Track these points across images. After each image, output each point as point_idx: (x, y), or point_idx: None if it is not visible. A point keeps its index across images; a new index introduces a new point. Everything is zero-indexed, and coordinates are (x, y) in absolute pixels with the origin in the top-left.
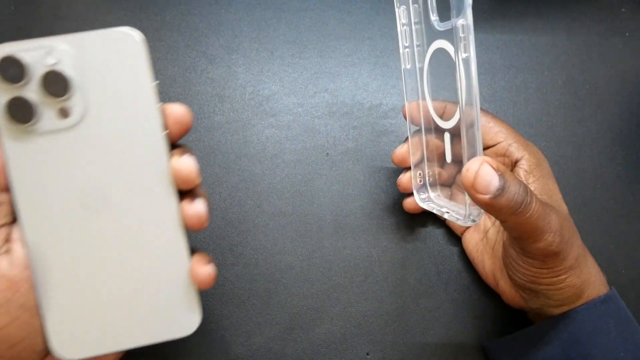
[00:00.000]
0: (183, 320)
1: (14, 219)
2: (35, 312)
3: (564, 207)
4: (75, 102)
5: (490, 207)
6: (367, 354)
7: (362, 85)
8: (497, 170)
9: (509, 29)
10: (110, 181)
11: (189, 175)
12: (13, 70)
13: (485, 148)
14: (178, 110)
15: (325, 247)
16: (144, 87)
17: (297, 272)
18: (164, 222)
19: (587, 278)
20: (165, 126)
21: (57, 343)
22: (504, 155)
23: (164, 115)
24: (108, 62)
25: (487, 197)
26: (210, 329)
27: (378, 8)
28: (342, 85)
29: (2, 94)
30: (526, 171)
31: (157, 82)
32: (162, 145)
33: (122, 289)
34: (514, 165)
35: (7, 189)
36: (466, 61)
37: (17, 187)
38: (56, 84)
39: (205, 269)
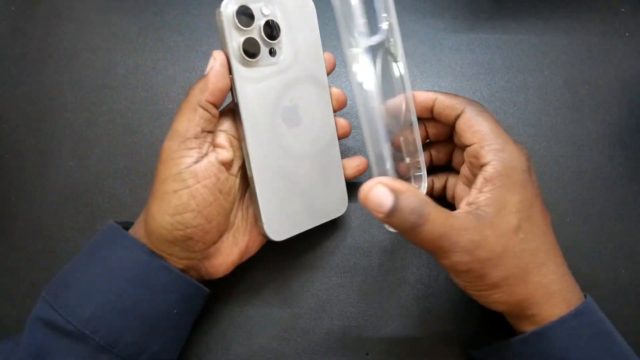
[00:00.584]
0: (340, 205)
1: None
2: (226, 197)
3: (510, 222)
4: (280, 44)
5: (387, 224)
6: (367, 354)
7: None
8: (393, 190)
9: (509, 29)
10: (300, 103)
11: (340, 97)
12: (246, 17)
13: (463, 147)
14: (329, 57)
15: (325, 247)
16: (316, 38)
17: (296, 272)
18: (330, 133)
19: (529, 296)
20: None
21: (269, 229)
22: (475, 157)
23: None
24: (297, 16)
25: (380, 215)
26: (210, 329)
27: None
28: (342, 85)
29: (239, 35)
30: (485, 179)
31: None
32: (326, 79)
33: (309, 183)
34: (480, 169)
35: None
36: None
37: (242, 103)
38: (271, 30)
39: (352, 165)
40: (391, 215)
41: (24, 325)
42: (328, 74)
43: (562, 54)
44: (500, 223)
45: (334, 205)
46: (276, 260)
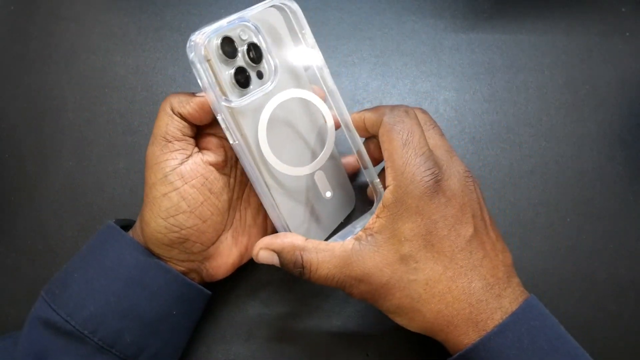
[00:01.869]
0: (349, 201)
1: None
2: (218, 196)
3: (399, 251)
4: (265, 65)
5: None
6: (367, 354)
7: (362, 85)
8: (273, 250)
9: (509, 29)
10: (294, 116)
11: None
12: (230, 47)
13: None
14: None
15: None
16: (301, 37)
17: None
18: (327, 135)
19: (429, 325)
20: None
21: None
22: (382, 175)
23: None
24: (277, 29)
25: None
26: (210, 329)
27: (378, 8)
28: (342, 85)
29: (227, 67)
30: (383, 204)
31: (308, 28)
32: (326, 71)
33: (318, 192)
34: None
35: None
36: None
37: (244, 138)
38: (255, 53)
39: (347, 163)
40: (283, 268)
41: (23, 324)
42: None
43: (562, 54)
44: (386, 252)
45: (344, 203)
46: None
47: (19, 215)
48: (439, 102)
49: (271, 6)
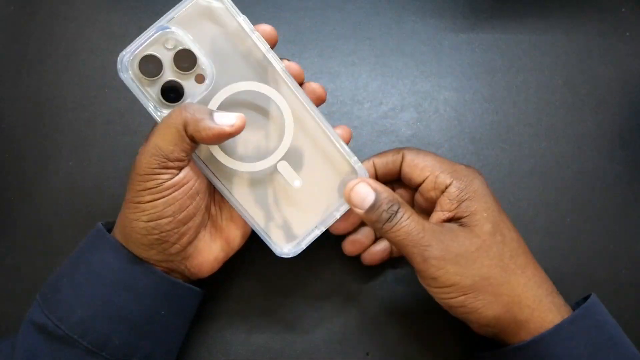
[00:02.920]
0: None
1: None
2: (203, 196)
3: (484, 226)
4: (203, 65)
5: (366, 220)
6: (367, 354)
7: (362, 85)
8: (374, 189)
9: (509, 29)
10: (246, 110)
11: (317, 91)
12: (151, 65)
13: (417, 186)
14: (267, 29)
15: (326, 246)
16: (239, 32)
17: (296, 272)
18: (305, 117)
19: (517, 298)
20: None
21: (286, 249)
22: (434, 188)
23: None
24: (205, 21)
25: (361, 211)
26: (210, 329)
27: (378, 8)
28: (342, 85)
29: (153, 87)
30: (450, 199)
31: (243, 16)
32: (267, 55)
33: (307, 178)
34: (441, 195)
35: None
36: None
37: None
38: (186, 60)
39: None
40: (370, 210)
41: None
42: (272, 47)
43: (562, 54)
44: (473, 227)
45: (334, 187)
46: (276, 260)
47: (19, 215)
48: (439, 102)
49: (192, 3)
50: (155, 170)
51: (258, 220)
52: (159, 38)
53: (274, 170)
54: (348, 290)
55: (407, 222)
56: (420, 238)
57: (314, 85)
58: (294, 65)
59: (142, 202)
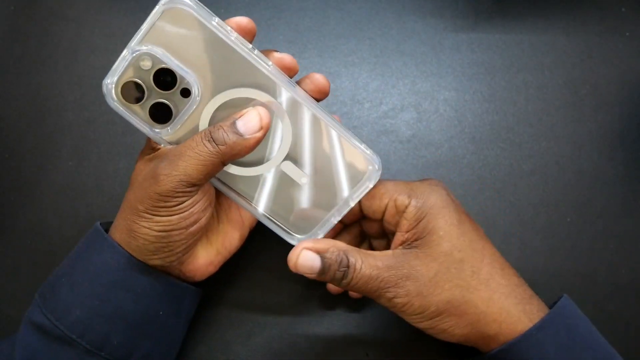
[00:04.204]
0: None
1: None
2: (211, 204)
3: (441, 245)
4: (184, 79)
5: (321, 280)
6: (367, 354)
7: (362, 85)
8: (317, 251)
9: (509, 29)
10: (242, 104)
11: (320, 83)
12: (132, 90)
13: (382, 217)
14: (243, 22)
15: None
16: (215, 38)
17: (297, 272)
18: (305, 112)
19: (482, 315)
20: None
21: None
22: (395, 213)
23: (236, 31)
24: (178, 31)
25: (313, 276)
26: (210, 329)
27: (378, 8)
28: (342, 85)
29: (142, 111)
30: (407, 219)
31: (217, 19)
32: (250, 55)
33: (315, 173)
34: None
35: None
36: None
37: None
38: (165, 78)
39: None
40: (323, 274)
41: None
42: (252, 39)
43: (562, 54)
44: (428, 249)
45: (364, 168)
46: (276, 260)
47: (19, 215)
48: (439, 102)
49: (161, 15)
50: (179, 193)
51: (273, 219)
52: (134, 62)
53: (279, 171)
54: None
55: (361, 274)
56: (379, 283)
57: (316, 76)
58: (286, 58)
59: (157, 216)
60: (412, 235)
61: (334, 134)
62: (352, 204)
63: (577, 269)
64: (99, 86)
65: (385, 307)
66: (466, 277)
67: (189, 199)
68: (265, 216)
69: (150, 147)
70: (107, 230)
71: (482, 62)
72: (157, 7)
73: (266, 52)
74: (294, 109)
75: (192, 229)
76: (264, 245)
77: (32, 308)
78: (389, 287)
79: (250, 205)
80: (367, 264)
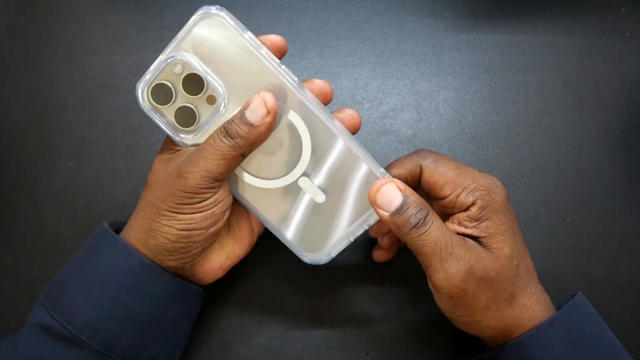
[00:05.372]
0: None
1: None
2: (229, 207)
3: (503, 249)
4: (213, 86)
5: (390, 223)
6: (367, 354)
7: (362, 85)
8: (403, 191)
9: (509, 29)
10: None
11: (324, 89)
12: (161, 93)
13: (441, 199)
14: (276, 40)
15: None
16: (246, 49)
17: (297, 272)
18: (325, 132)
19: (515, 318)
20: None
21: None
22: (454, 207)
23: (268, 47)
24: (212, 41)
25: (386, 214)
26: (210, 329)
27: (378, 8)
28: (342, 85)
29: (170, 109)
30: (470, 217)
31: (249, 33)
32: (277, 70)
33: (330, 196)
34: (463, 211)
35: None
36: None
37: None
38: (193, 84)
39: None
40: (397, 213)
41: (22, 326)
42: (280, 58)
43: (562, 54)
44: (493, 250)
45: (362, 204)
46: (276, 260)
47: (19, 215)
48: (439, 102)
49: (196, 23)
50: (202, 189)
51: (286, 234)
52: (167, 67)
53: (296, 185)
54: (348, 290)
55: (435, 231)
56: (449, 253)
57: (318, 82)
58: (321, 84)
59: (180, 213)
60: (471, 232)
61: (355, 155)
62: (366, 227)
63: (577, 269)
64: (99, 86)
65: (434, 283)
66: (517, 283)
67: (212, 196)
68: (278, 229)
69: (168, 148)
70: (116, 231)
71: (482, 62)
72: (194, 15)
73: (307, 81)
74: (315, 126)
75: (211, 230)
76: (265, 246)
77: (37, 310)
78: (455, 262)
79: (264, 216)
80: (443, 228)
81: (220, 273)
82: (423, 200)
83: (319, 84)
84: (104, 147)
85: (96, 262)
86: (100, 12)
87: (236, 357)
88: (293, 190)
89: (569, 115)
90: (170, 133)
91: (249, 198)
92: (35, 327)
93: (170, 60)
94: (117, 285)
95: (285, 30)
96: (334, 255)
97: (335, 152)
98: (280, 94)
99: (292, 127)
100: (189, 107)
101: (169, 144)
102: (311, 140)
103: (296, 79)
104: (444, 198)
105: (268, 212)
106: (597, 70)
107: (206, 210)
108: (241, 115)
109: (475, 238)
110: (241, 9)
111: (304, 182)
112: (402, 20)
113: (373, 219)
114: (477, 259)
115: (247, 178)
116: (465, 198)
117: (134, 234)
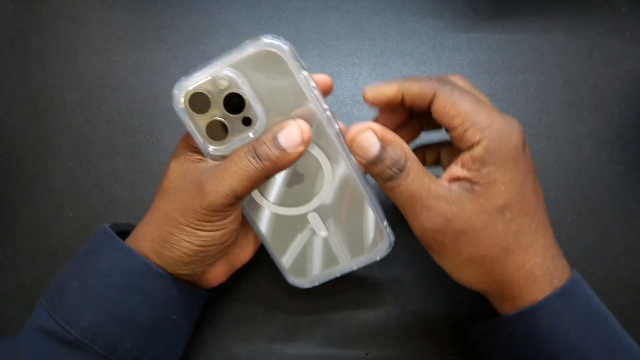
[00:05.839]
0: (379, 243)
1: None
2: (247, 234)
3: (497, 200)
4: (252, 110)
5: (367, 170)
6: (367, 354)
7: (362, 85)
8: (381, 139)
9: (509, 29)
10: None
11: (326, 82)
12: (201, 102)
13: (451, 130)
14: (327, 82)
15: None
16: (296, 85)
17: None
18: (342, 166)
19: (508, 278)
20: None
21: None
22: (460, 141)
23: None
24: (266, 70)
25: (363, 161)
26: (210, 329)
27: (378, 8)
28: (342, 85)
29: (198, 121)
30: (473, 158)
31: (306, 72)
32: (322, 115)
33: (332, 226)
34: (468, 149)
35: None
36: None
37: None
38: (235, 103)
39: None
40: (373, 164)
41: (23, 327)
42: (326, 95)
43: (562, 54)
44: (484, 199)
45: (374, 243)
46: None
47: (19, 215)
48: None
49: (256, 48)
50: (225, 208)
51: (280, 258)
52: (213, 78)
53: (304, 217)
54: (348, 290)
55: (409, 186)
56: (421, 205)
57: (320, 77)
58: (326, 80)
59: (201, 230)
60: (471, 176)
61: (365, 202)
62: (355, 267)
63: (577, 269)
64: (99, 86)
65: (415, 234)
66: (509, 239)
67: (232, 215)
68: (274, 252)
69: (186, 153)
70: (119, 233)
71: (482, 62)
72: (258, 42)
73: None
74: (340, 174)
75: (226, 244)
76: (264, 246)
77: (38, 312)
78: (430, 215)
79: (264, 235)
80: (420, 179)
81: (224, 278)
82: (404, 149)
83: (320, 78)
84: (104, 147)
85: (98, 264)
86: (100, 12)
87: (236, 357)
88: (299, 221)
89: (569, 115)
90: (198, 141)
91: (255, 216)
92: (37, 330)
93: (220, 74)
94: (119, 288)
95: (285, 30)
96: (316, 284)
97: (349, 195)
98: (319, 136)
99: (314, 161)
100: (222, 122)
101: (186, 149)
102: (333, 183)
103: (337, 126)
104: (454, 129)
105: (269, 234)
106: (597, 70)
107: (226, 228)
108: (274, 138)
109: (472, 183)
110: (241, 9)
111: (312, 216)
112: (402, 20)
113: (363, 262)
114: (458, 211)
115: (257, 196)
116: (473, 135)
117: (147, 243)
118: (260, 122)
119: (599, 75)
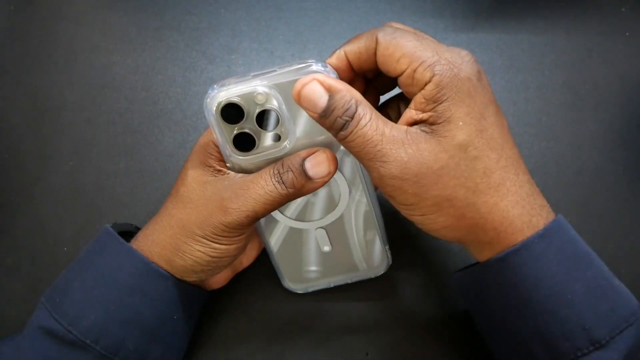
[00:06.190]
0: (379, 265)
1: None
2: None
3: (456, 137)
4: (283, 128)
5: (322, 125)
6: (367, 354)
7: None
8: (328, 89)
9: (509, 29)
10: None
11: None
12: (233, 113)
13: (397, 76)
14: None
15: None
16: None
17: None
18: (355, 187)
19: (482, 220)
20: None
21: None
22: (412, 84)
23: None
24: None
25: (315, 115)
26: (210, 329)
27: (378, 8)
28: None
29: (226, 131)
30: (425, 97)
31: None
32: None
33: (338, 244)
34: (420, 90)
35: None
36: None
37: None
38: (267, 119)
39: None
40: (324, 116)
41: (24, 327)
42: None
43: (562, 54)
44: (442, 138)
45: (372, 263)
46: None
47: (19, 215)
48: None
49: (301, 72)
50: (245, 226)
51: (280, 263)
52: (252, 91)
53: (311, 231)
54: (348, 290)
55: (362, 132)
56: (377, 151)
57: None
58: None
59: (218, 244)
60: (427, 117)
61: (373, 228)
62: (350, 282)
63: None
64: (99, 86)
65: (375, 184)
66: (475, 178)
67: (249, 231)
68: (276, 258)
69: (207, 165)
70: (122, 234)
71: (482, 62)
72: (307, 69)
73: None
74: (355, 199)
75: (238, 255)
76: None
77: (40, 313)
78: (385, 162)
79: (269, 242)
80: (373, 124)
81: (225, 282)
82: (352, 94)
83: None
84: (104, 147)
85: (100, 264)
86: (100, 12)
87: (236, 357)
88: (305, 234)
89: (568, 115)
90: (222, 148)
91: (266, 227)
92: (38, 331)
93: (258, 91)
94: (121, 289)
95: (285, 30)
96: (310, 291)
97: (360, 218)
98: (343, 165)
99: (334, 190)
100: (251, 136)
101: (206, 157)
102: (346, 205)
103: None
104: (401, 74)
105: (275, 241)
106: (597, 70)
107: (241, 243)
108: (300, 165)
109: (429, 124)
110: (241, 9)
111: (320, 232)
112: (402, 20)
113: (357, 278)
114: (415, 154)
115: (275, 213)
116: (423, 73)
117: (158, 250)
118: (289, 141)
119: (599, 75)
